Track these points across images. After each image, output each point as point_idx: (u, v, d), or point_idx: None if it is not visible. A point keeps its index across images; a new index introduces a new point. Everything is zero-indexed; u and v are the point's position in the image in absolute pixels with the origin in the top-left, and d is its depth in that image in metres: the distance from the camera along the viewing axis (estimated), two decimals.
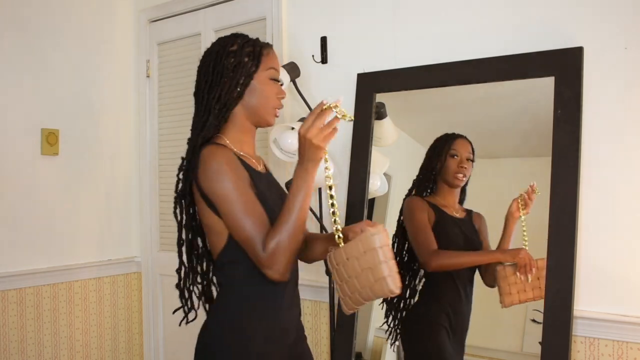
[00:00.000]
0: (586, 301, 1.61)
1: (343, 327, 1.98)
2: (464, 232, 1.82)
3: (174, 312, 1.49)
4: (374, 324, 2.03)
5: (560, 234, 1.59)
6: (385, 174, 2.03)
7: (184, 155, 1.40)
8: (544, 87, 1.66)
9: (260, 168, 1.43)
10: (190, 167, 1.35)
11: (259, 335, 1.32)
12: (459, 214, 1.84)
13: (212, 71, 1.38)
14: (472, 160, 1.82)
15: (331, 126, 1.21)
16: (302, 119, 2.08)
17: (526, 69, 1.70)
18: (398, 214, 1.94)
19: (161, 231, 2.80)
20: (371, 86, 2.01)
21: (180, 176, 1.41)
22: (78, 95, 2.62)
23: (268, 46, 1.42)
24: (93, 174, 2.69)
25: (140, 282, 2.86)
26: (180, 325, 1.46)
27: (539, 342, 1.60)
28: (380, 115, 2.01)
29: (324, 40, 2.16)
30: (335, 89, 2.13)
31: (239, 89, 1.36)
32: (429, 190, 1.88)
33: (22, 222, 2.41)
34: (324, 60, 2.17)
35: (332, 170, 1.29)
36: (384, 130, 2.02)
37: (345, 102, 2.08)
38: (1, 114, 2.35)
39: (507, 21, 1.78)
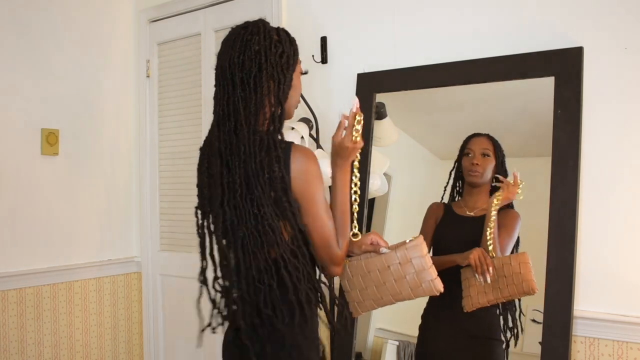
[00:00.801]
0: (586, 301, 1.61)
1: (343, 327, 1.98)
2: (467, 231, 1.80)
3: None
4: (374, 324, 2.03)
5: (560, 234, 1.59)
6: (385, 174, 2.03)
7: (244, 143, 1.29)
8: (544, 87, 1.66)
9: None
10: (273, 159, 1.26)
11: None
12: (475, 213, 1.82)
13: (263, 59, 1.32)
14: (488, 155, 1.80)
15: (359, 132, 1.34)
16: (302, 119, 2.08)
17: (526, 69, 1.70)
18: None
19: (161, 231, 2.80)
20: (371, 86, 2.01)
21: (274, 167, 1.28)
22: (78, 95, 2.62)
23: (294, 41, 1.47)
24: (93, 174, 2.69)
25: (140, 282, 2.86)
26: None
27: (539, 342, 1.60)
28: (380, 115, 2.01)
29: (324, 40, 2.16)
30: (335, 89, 2.13)
31: (284, 83, 1.36)
32: (457, 196, 1.88)
33: (22, 222, 2.41)
34: (324, 60, 2.17)
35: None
36: (384, 130, 2.02)
37: (345, 102, 2.08)
38: (1, 114, 2.35)
39: (507, 21, 1.78)
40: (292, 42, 1.43)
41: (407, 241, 1.44)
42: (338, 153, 1.37)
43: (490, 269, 1.64)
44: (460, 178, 1.86)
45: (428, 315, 1.86)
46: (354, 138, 1.34)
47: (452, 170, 1.87)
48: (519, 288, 1.61)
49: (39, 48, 2.47)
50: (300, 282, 1.26)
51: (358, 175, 1.51)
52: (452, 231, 1.84)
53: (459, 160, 1.85)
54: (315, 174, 1.30)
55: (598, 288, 1.60)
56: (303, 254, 1.28)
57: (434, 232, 1.87)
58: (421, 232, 1.84)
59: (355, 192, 1.50)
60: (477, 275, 1.66)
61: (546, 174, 1.63)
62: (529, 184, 1.74)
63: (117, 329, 2.78)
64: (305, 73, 1.49)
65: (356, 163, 1.48)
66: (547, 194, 1.62)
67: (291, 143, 1.32)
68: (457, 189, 1.88)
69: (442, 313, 1.82)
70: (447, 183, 1.89)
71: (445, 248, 1.82)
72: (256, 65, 1.32)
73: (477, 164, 1.81)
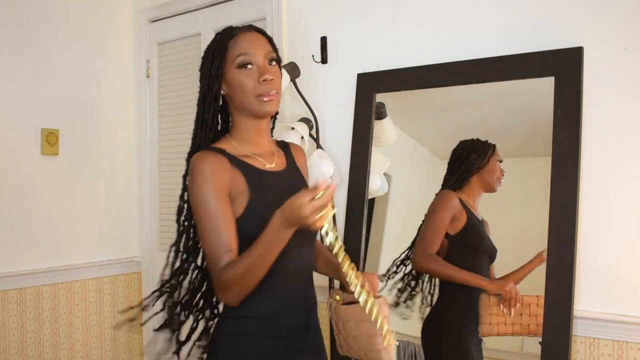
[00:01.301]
0: (586, 301, 1.61)
1: None
2: (489, 242, 1.79)
3: None
4: None
5: (560, 234, 1.59)
6: (385, 174, 2.03)
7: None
8: (544, 87, 1.66)
9: (270, 166, 1.37)
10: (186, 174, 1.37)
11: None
12: (479, 217, 1.82)
13: (200, 74, 1.38)
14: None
15: (324, 208, 1.11)
16: (302, 119, 2.08)
17: (526, 69, 1.69)
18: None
19: (161, 231, 2.80)
20: (371, 86, 2.01)
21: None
22: (78, 95, 2.62)
23: (238, 32, 1.32)
24: (93, 174, 2.69)
25: (140, 282, 2.86)
26: None
27: (539, 342, 1.60)
28: (380, 115, 2.01)
29: (324, 40, 2.16)
30: (335, 89, 2.13)
31: (212, 93, 1.34)
32: (459, 185, 1.82)
33: (22, 222, 2.41)
34: (324, 60, 2.17)
35: (330, 236, 1.16)
36: (384, 130, 2.02)
37: (346, 102, 2.08)
38: (1, 114, 2.35)
39: (507, 21, 1.77)
40: (216, 47, 1.33)
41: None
42: (291, 211, 1.12)
43: (518, 305, 1.63)
44: (476, 175, 1.79)
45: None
46: (317, 215, 1.10)
47: (475, 164, 1.77)
48: (533, 329, 1.62)
49: (39, 48, 2.47)
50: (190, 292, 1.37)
51: (330, 234, 1.15)
52: (485, 241, 1.78)
53: (488, 162, 1.77)
54: (192, 182, 1.28)
55: (598, 288, 1.60)
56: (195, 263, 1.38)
57: (460, 234, 1.79)
58: (438, 224, 1.80)
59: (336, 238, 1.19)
60: (501, 306, 1.65)
61: (546, 174, 1.63)
62: (529, 184, 1.74)
63: (117, 329, 2.78)
64: (251, 65, 1.29)
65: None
66: (547, 194, 1.62)
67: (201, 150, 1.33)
68: (461, 181, 1.81)
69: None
70: (451, 170, 1.81)
71: (477, 259, 1.78)
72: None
73: (502, 176, 1.76)
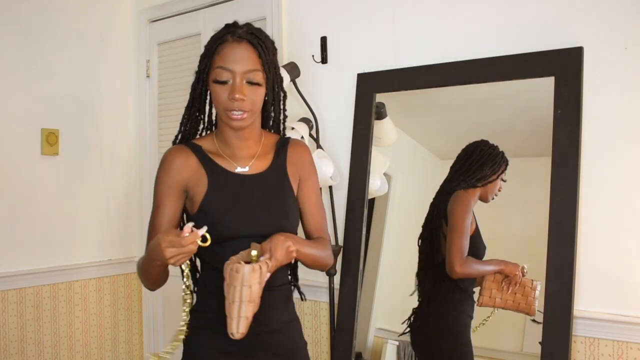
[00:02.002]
0: (586, 301, 1.61)
1: (343, 327, 1.98)
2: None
3: None
4: (374, 324, 2.03)
5: (560, 234, 1.59)
6: (385, 174, 2.03)
7: None
8: (544, 87, 1.66)
9: (242, 170, 1.38)
10: None
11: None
12: (471, 228, 1.83)
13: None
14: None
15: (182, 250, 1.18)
16: (302, 119, 2.08)
17: (526, 69, 1.70)
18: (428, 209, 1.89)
19: None
20: (371, 86, 2.01)
21: None
22: (78, 95, 2.62)
23: (229, 39, 1.30)
24: (93, 174, 2.69)
25: (140, 282, 2.86)
26: None
27: (539, 342, 1.60)
28: (380, 115, 2.01)
29: (324, 40, 2.16)
30: (335, 89, 2.13)
31: (197, 94, 1.41)
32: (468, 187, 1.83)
33: (22, 222, 2.41)
34: (324, 60, 2.17)
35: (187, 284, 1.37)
36: (384, 130, 2.02)
37: (346, 102, 2.09)
38: (1, 114, 2.35)
39: (507, 21, 1.78)
40: (205, 51, 1.36)
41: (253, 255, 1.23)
42: (156, 244, 1.21)
43: (518, 285, 1.72)
44: (476, 184, 1.80)
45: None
46: (173, 254, 1.19)
47: (486, 175, 1.79)
48: (522, 307, 1.71)
49: (39, 48, 2.47)
50: None
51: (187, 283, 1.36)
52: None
53: (497, 178, 1.78)
54: (157, 170, 1.41)
55: (598, 288, 1.60)
56: None
57: (477, 237, 1.80)
58: (465, 228, 1.80)
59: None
60: (503, 283, 1.74)
61: (546, 174, 1.63)
62: (529, 184, 1.74)
63: (117, 329, 2.78)
64: (224, 82, 1.30)
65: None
66: (547, 194, 1.62)
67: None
68: (468, 185, 1.82)
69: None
70: (463, 170, 1.81)
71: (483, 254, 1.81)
72: None
73: (501, 190, 1.79)
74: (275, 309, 1.40)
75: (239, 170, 1.39)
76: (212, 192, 1.35)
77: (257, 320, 1.23)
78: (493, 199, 1.79)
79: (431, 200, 1.88)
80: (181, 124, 1.47)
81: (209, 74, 1.33)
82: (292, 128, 1.95)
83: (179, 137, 1.47)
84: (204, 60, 1.35)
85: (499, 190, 1.79)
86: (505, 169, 1.78)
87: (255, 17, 2.39)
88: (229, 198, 1.35)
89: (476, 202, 1.81)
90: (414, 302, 1.89)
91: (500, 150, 1.78)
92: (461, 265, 1.79)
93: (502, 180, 1.78)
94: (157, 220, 1.39)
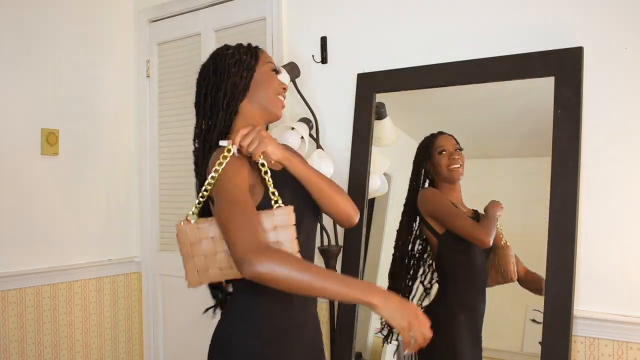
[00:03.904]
0: (586, 301, 1.61)
1: (343, 327, 1.98)
2: None
3: None
4: (374, 324, 2.03)
5: (560, 234, 1.59)
6: (385, 174, 2.03)
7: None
8: (544, 87, 1.66)
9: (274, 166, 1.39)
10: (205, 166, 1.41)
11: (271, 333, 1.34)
12: (469, 213, 1.83)
13: (212, 74, 1.41)
14: (462, 149, 1.83)
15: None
16: (302, 119, 2.08)
17: (526, 69, 1.70)
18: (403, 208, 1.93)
19: (161, 231, 2.80)
20: (371, 86, 2.01)
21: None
22: (78, 95, 2.62)
23: (260, 48, 1.49)
24: (93, 174, 2.69)
25: (140, 282, 2.86)
26: None
27: (539, 342, 1.60)
28: (380, 115, 2.01)
29: (324, 40, 2.16)
30: (335, 89, 2.14)
31: (244, 82, 1.40)
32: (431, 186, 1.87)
33: (22, 222, 2.41)
34: (324, 60, 2.17)
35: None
36: (384, 130, 2.02)
37: (346, 102, 2.08)
38: (1, 114, 2.35)
39: (507, 21, 1.78)
40: (247, 50, 1.47)
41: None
42: (403, 309, 1.17)
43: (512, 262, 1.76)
44: (434, 176, 1.86)
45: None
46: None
47: (424, 168, 1.87)
48: (504, 277, 1.75)
49: (39, 48, 2.47)
50: None
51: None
52: None
53: (433, 158, 1.85)
54: (225, 173, 1.34)
55: (598, 288, 1.60)
56: None
57: (448, 231, 1.83)
58: (452, 209, 1.82)
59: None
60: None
61: (546, 174, 1.63)
62: (529, 184, 1.74)
63: (117, 329, 2.78)
64: (275, 70, 1.49)
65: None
66: (547, 194, 1.62)
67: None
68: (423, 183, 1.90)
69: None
70: (412, 184, 1.89)
71: (468, 254, 1.81)
72: (205, 83, 1.47)
73: (457, 157, 1.83)
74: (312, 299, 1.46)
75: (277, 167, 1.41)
76: (278, 188, 1.33)
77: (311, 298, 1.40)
78: (458, 173, 1.82)
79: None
80: (205, 122, 1.43)
81: (257, 66, 1.42)
82: (292, 128, 1.95)
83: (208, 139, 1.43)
84: (250, 54, 1.43)
85: (454, 161, 1.82)
86: (434, 144, 1.85)
87: (255, 17, 2.39)
88: (290, 191, 1.37)
89: (453, 191, 1.84)
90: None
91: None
92: (489, 235, 1.77)
93: (442, 151, 1.83)
94: (256, 217, 1.27)
